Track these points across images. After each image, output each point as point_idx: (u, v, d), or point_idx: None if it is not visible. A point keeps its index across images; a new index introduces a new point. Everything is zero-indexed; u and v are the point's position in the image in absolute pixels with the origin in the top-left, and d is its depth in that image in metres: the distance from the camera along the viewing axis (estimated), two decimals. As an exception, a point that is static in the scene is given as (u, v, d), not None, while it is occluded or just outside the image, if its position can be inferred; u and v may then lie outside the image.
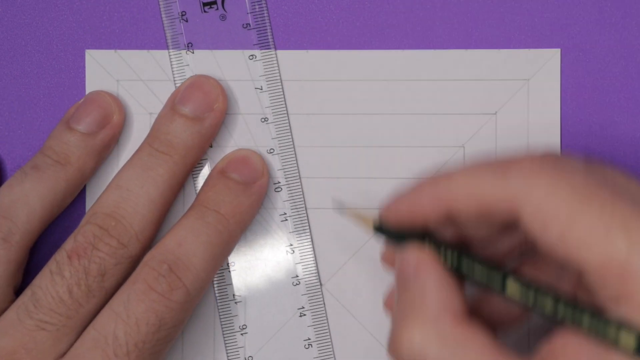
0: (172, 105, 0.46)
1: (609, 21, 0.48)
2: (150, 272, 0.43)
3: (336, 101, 0.48)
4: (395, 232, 0.41)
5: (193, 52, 0.48)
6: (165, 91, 0.48)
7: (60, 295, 0.43)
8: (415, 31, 0.48)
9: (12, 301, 0.45)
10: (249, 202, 0.46)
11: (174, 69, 0.48)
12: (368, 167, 0.48)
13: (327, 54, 0.48)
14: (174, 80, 0.48)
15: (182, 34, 0.48)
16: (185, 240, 0.44)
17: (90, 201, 0.48)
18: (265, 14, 0.48)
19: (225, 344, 0.48)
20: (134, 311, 0.43)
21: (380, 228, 0.42)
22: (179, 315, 0.44)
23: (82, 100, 0.47)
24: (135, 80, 0.48)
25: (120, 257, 0.44)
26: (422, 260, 0.40)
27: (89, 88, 0.49)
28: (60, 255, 0.44)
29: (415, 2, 0.48)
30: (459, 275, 0.41)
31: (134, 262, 0.45)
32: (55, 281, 0.43)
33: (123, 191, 0.45)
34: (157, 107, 0.48)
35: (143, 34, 0.49)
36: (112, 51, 0.49)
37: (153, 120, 0.48)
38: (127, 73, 0.48)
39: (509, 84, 0.48)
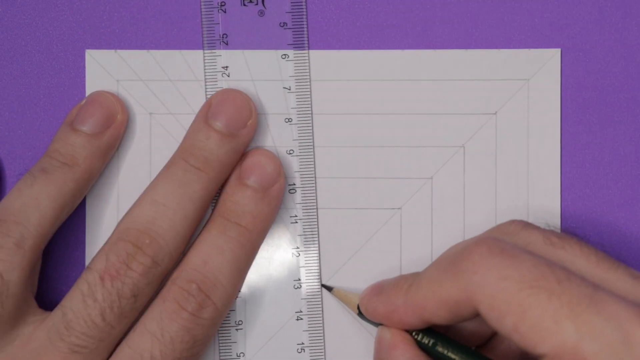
0: (206, 119, 0.46)
1: (609, 21, 0.48)
2: (179, 292, 0.43)
3: (336, 101, 0.48)
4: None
5: (227, 44, 0.48)
6: (165, 91, 0.48)
7: (92, 319, 0.43)
8: (415, 31, 0.48)
9: (34, 307, 0.44)
10: (268, 209, 0.46)
11: (206, 57, 0.48)
12: (368, 167, 0.48)
13: (327, 54, 0.48)
14: (205, 69, 0.48)
15: (218, 24, 0.48)
16: (210, 258, 0.44)
17: (90, 201, 0.48)
18: (304, 15, 0.48)
19: (219, 337, 0.48)
20: (167, 330, 0.43)
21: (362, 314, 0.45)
22: (210, 331, 0.44)
23: (84, 101, 0.47)
24: (135, 80, 0.48)
25: (153, 276, 0.44)
26: (395, 341, 0.42)
27: (89, 88, 0.48)
28: (91, 276, 0.43)
29: (415, 2, 0.48)
30: (433, 356, 0.42)
31: (163, 278, 0.45)
32: (87, 304, 0.43)
33: (159, 206, 0.44)
34: (157, 107, 0.48)
35: (143, 34, 0.49)
36: (112, 51, 0.49)
37: (153, 120, 0.48)
38: (127, 73, 0.48)
39: (509, 84, 0.48)
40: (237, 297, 0.46)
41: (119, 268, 0.43)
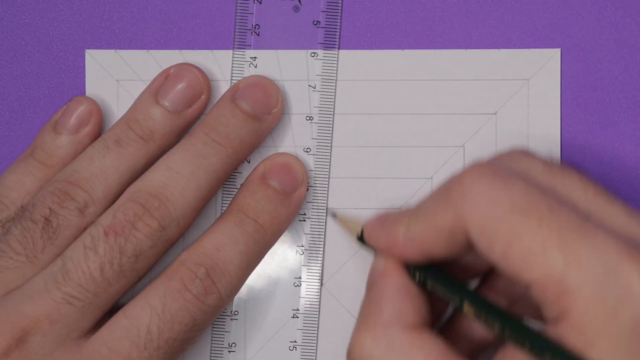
0: (233, 99, 0.46)
1: (609, 21, 0.48)
2: (187, 273, 0.43)
3: (336, 102, 0.48)
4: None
5: (258, 35, 0.48)
6: (165, 91, 0.48)
7: (91, 272, 0.43)
8: (415, 31, 0.48)
9: None
10: (287, 213, 0.46)
11: (236, 46, 0.48)
12: (368, 167, 0.48)
13: (327, 54, 0.48)
14: (233, 57, 0.48)
15: (252, 14, 0.48)
16: (223, 247, 0.44)
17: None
18: (339, 15, 0.48)
19: (213, 325, 0.48)
20: (169, 308, 0.43)
21: (362, 239, 0.44)
22: (210, 318, 0.44)
23: (172, 71, 0.47)
24: (135, 80, 0.48)
25: (157, 240, 0.44)
26: (387, 270, 0.41)
27: (89, 88, 0.48)
28: (96, 230, 0.43)
29: (415, 2, 0.48)
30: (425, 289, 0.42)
31: (169, 246, 0.44)
32: (88, 256, 0.43)
33: (172, 173, 0.44)
34: (157, 107, 0.48)
35: (143, 34, 0.49)
36: (112, 51, 0.49)
37: (153, 120, 0.48)
38: (127, 73, 0.48)
39: (509, 84, 0.48)
40: (237, 292, 0.46)
41: (124, 226, 0.43)
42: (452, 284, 0.41)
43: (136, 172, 0.45)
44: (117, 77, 0.48)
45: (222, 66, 0.48)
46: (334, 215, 0.48)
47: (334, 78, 0.48)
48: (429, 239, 0.40)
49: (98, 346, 0.42)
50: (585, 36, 0.48)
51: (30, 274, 0.44)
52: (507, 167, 0.39)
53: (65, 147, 0.46)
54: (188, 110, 0.46)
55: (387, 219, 0.42)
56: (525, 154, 0.41)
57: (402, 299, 0.41)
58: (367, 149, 0.48)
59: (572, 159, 0.48)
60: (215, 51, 0.48)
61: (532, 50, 0.48)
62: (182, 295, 0.43)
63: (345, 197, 0.48)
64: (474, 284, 0.44)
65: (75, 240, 0.44)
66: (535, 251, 0.36)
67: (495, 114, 0.48)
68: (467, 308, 0.40)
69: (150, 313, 0.43)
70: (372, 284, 0.42)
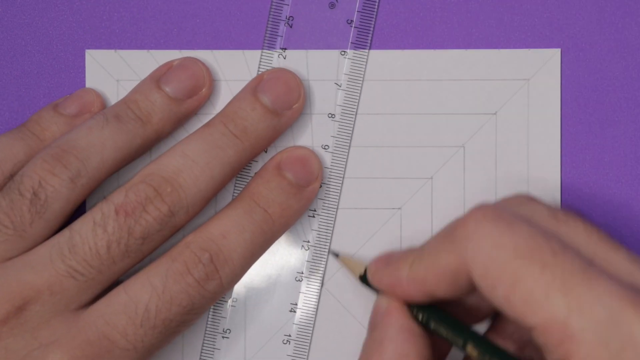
0: (254, 92, 0.46)
1: (609, 21, 0.48)
2: (191, 256, 0.44)
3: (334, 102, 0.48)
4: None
5: (291, 27, 0.47)
6: (165, 91, 0.48)
7: (97, 249, 0.43)
8: (415, 31, 0.48)
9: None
10: (297, 206, 0.46)
11: (267, 35, 0.48)
12: (368, 167, 0.48)
13: (327, 53, 0.48)
14: (263, 46, 0.48)
15: (288, 5, 0.48)
16: (229, 233, 0.44)
17: (90, 199, 0.48)
18: (373, 16, 0.48)
19: (211, 309, 0.48)
20: (169, 289, 0.43)
21: (364, 280, 0.44)
22: (208, 303, 0.44)
23: (176, 62, 0.47)
24: (136, 81, 0.48)
25: (165, 225, 0.44)
26: (390, 309, 0.42)
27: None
28: (107, 208, 0.43)
29: (415, 2, 0.48)
30: (428, 330, 0.42)
31: (175, 232, 0.45)
32: (97, 233, 0.43)
33: (188, 161, 0.44)
34: (157, 107, 0.48)
35: (143, 34, 0.49)
36: (112, 51, 0.49)
37: (153, 120, 0.48)
38: (127, 73, 0.48)
39: (509, 84, 0.48)
40: (238, 281, 0.46)
41: (135, 207, 0.43)
42: (455, 325, 0.41)
43: (132, 151, 0.45)
44: (117, 77, 0.48)
45: (222, 66, 0.48)
46: (336, 255, 0.48)
47: (361, 77, 0.48)
48: (432, 280, 0.40)
49: (95, 317, 0.43)
50: (585, 36, 0.48)
51: (21, 247, 0.43)
52: (511, 211, 0.39)
53: (60, 126, 0.46)
54: (188, 101, 0.47)
55: (391, 259, 0.43)
56: (529, 199, 0.41)
57: (404, 339, 0.41)
58: (367, 149, 0.48)
59: (571, 159, 0.48)
60: (215, 51, 0.48)
61: (532, 50, 0.48)
62: (183, 278, 0.43)
63: (346, 197, 0.48)
64: (481, 327, 0.44)
65: (64, 213, 0.44)
66: (538, 296, 0.37)
67: (495, 114, 0.48)
68: (471, 350, 0.40)
69: (150, 292, 0.43)
70: (375, 324, 0.42)
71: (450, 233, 0.40)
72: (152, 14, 0.49)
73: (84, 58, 0.49)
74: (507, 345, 0.43)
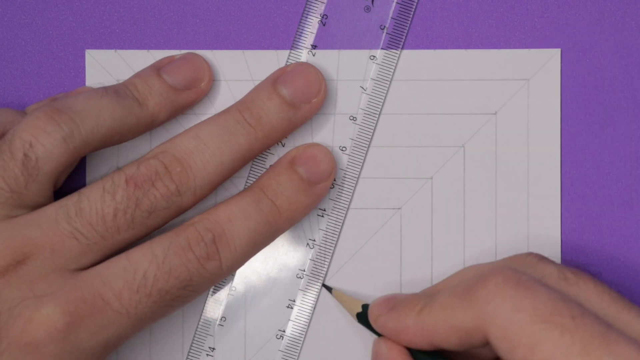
0: (274, 83, 0.46)
1: (609, 21, 0.48)
2: (194, 234, 0.44)
3: (332, 101, 0.48)
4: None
5: (324, 25, 0.47)
6: (165, 91, 0.48)
7: (104, 214, 0.43)
8: (415, 31, 0.48)
9: (49, 198, 0.44)
10: (306, 202, 0.46)
11: (300, 30, 0.48)
12: (368, 167, 0.48)
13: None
14: (293, 42, 0.48)
15: (324, 3, 0.48)
16: (235, 219, 0.45)
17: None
18: (407, 25, 0.47)
19: (209, 294, 0.48)
20: (170, 261, 0.43)
21: (363, 319, 0.45)
22: (206, 284, 0.44)
23: (178, 56, 0.47)
24: (135, 80, 0.48)
25: (172, 204, 0.44)
26: (392, 355, 0.43)
27: (89, 88, 0.49)
28: (118, 177, 0.44)
29: (415, 2, 0.48)
30: None
31: (181, 213, 0.45)
32: (105, 199, 0.43)
33: (200, 143, 0.45)
34: (157, 107, 0.48)
35: (143, 34, 0.49)
36: (112, 51, 0.49)
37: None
38: (127, 73, 0.48)
39: (509, 84, 0.48)
40: (237, 269, 0.46)
41: (145, 180, 0.44)
42: None
43: (126, 128, 0.45)
44: (117, 77, 0.48)
45: (222, 66, 0.48)
46: (330, 290, 0.48)
47: (387, 83, 0.48)
48: (442, 332, 0.41)
49: (93, 277, 0.43)
50: (585, 36, 0.48)
51: (22, 209, 0.43)
52: (529, 275, 0.40)
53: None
54: (186, 92, 0.47)
55: (395, 303, 0.43)
56: (538, 259, 0.42)
57: None
58: (367, 149, 0.48)
59: (571, 159, 0.48)
60: (215, 51, 0.48)
61: (532, 50, 0.48)
62: (184, 252, 0.43)
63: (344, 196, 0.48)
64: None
65: (56, 176, 0.44)
66: None
67: (495, 114, 0.48)
68: None
69: (150, 260, 0.43)
70: None
71: (468, 292, 0.40)
72: (152, 14, 0.49)
73: (84, 58, 0.49)
74: None
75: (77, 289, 0.42)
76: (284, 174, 0.46)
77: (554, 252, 0.48)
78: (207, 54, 0.48)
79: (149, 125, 0.46)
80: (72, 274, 0.43)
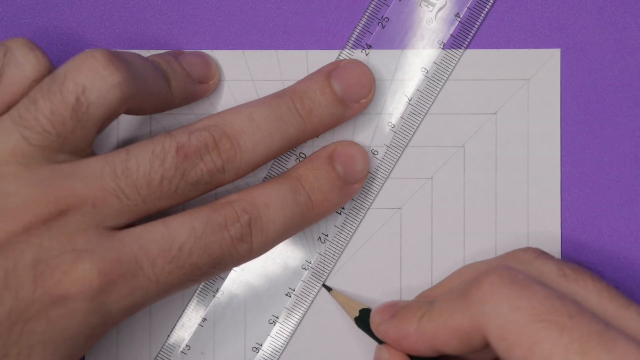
0: (328, 76, 0.46)
1: (609, 21, 0.48)
2: (232, 214, 0.43)
3: (336, 101, 0.48)
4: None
5: (383, 27, 0.47)
6: (165, 91, 0.48)
7: (150, 179, 0.42)
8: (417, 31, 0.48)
9: (91, 146, 0.43)
10: (338, 200, 0.46)
11: (359, 28, 0.47)
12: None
13: (324, 53, 0.48)
14: (351, 36, 0.48)
15: (388, 6, 0.47)
16: (273, 205, 0.44)
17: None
18: (465, 46, 0.47)
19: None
20: (206, 237, 0.43)
21: (361, 322, 0.45)
22: (230, 265, 0.44)
23: (190, 51, 0.48)
24: (136, 80, 0.48)
25: (214, 179, 0.44)
26: None
27: (89, 88, 0.49)
28: (169, 143, 0.43)
29: (416, 2, 0.48)
30: None
31: (217, 188, 0.44)
32: (153, 164, 0.43)
33: (253, 124, 0.44)
34: (157, 107, 0.48)
35: (143, 34, 0.49)
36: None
37: (153, 119, 0.48)
38: (127, 73, 0.48)
39: (509, 84, 0.48)
40: (261, 255, 0.46)
41: (195, 152, 0.43)
42: None
43: (157, 97, 0.44)
44: (117, 77, 0.48)
45: (222, 66, 0.48)
46: (329, 290, 0.48)
47: (432, 98, 0.48)
48: (442, 337, 0.41)
49: (130, 239, 0.42)
50: (585, 36, 0.48)
51: (63, 153, 0.42)
52: (525, 273, 0.40)
53: None
54: (197, 85, 0.47)
55: (396, 310, 0.43)
56: (539, 254, 0.42)
57: None
58: (367, 149, 0.48)
59: (571, 159, 0.48)
60: (215, 51, 0.48)
61: (532, 50, 0.48)
62: (220, 231, 0.43)
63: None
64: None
65: (105, 122, 0.43)
66: (557, 359, 0.37)
67: (495, 114, 0.48)
68: None
69: (188, 233, 0.43)
70: None
71: (465, 294, 0.40)
72: (152, 14, 0.49)
73: (84, 58, 0.49)
74: None
75: (115, 249, 0.42)
76: (323, 169, 0.46)
77: (554, 252, 0.48)
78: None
79: (165, 106, 0.46)
80: (110, 232, 0.42)
